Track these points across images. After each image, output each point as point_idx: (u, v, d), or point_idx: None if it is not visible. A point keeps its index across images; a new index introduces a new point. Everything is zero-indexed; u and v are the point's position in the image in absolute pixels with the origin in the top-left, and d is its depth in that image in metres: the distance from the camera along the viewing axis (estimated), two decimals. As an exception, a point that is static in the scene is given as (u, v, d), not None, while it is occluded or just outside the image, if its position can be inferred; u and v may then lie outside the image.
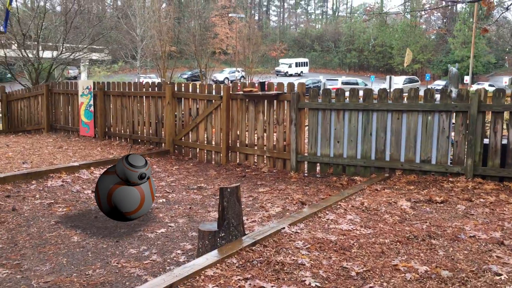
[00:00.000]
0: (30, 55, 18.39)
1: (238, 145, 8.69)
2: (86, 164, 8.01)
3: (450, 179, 6.55)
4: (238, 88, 8.83)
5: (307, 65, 64.33)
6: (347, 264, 3.73)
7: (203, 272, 3.46)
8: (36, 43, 18.99)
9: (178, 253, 4.43)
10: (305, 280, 3.43)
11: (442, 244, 4.25)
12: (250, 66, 38.53)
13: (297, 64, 62.53)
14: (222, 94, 8.67)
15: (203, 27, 45.16)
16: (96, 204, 6.05)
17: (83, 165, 7.94)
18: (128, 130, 10.74)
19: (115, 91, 10.96)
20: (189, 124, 9.40)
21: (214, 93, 8.96)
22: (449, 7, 67.16)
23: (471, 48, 34.30)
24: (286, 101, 7.94)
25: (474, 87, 35.76)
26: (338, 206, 5.40)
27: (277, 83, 8.28)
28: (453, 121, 6.75)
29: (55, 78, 22.68)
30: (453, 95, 6.76)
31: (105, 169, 5.62)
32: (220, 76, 49.59)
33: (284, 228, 4.46)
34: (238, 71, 45.27)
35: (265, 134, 8.33)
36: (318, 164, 7.78)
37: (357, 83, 41.19)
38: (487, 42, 62.15)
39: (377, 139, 7.17)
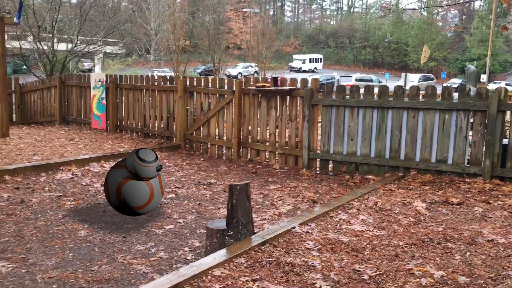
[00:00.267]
0: (45, 47, 18.46)
1: (249, 141, 8.57)
2: (96, 157, 7.95)
3: (467, 180, 6.37)
4: (251, 83, 8.70)
5: (321, 61, 63.88)
6: (359, 267, 3.59)
7: (210, 272, 3.35)
8: (51, 35, 19.05)
9: (186, 251, 4.33)
10: (315, 283, 3.30)
11: (458, 248, 4.10)
12: (263, 61, 38.37)
13: (311, 60, 62.12)
14: (234, 89, 8.55)
15: (217, 22, 45.08)
16: (105, 198, 5.99)
17: (93, 158, 7.89)
18: (139, 123, 10.68)
19: (127, 84, 10.90)
20: (200, 119, 9.30)
21: (226, 88, 8.85)
22: (467, 4, 66.17)
23: (488, 46, 33.73)
24: (299, 97, 7.80)
25: (491, 86, 35.19)
26: (351, 206, 5.26)
27: (291, 78, 8.14)
28: (471, 120, 6.56)
29: (70, 70, 22.76)
30: (471, 93, 6.57)
31: (115, 163, 5.54)
32: (233, 71, 49.44)
33: (294, 227, 4.33)
34: (252, 66, 45.09)
35: (277, 130, 8.20)
36: (331, 161, 7.63)
37: (371, 80, 40.77)
38: (505, 40, 61.13)
39: (392, 138, 7.00)
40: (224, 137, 9.02)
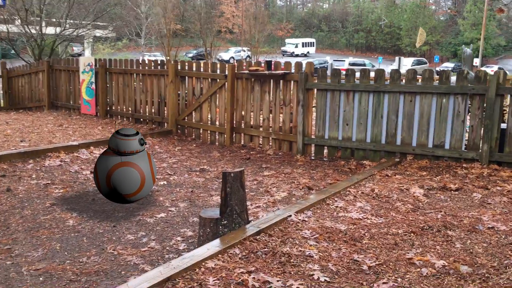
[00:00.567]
0: (33, 31, 18.06)
1: (242, 126, 8.40)
2: (85, 144, 7.75)
3: (464, 165, 6.26)
4: (244, 67, 8.49)
5: (313, 45, 63.46)
6: (358, 257, 3.47)
7: (203, 264, 3.21)
8: (39, 18, 18.64)
9: (178, 240, 4.18)
10: (313, 274, 3.17)
11: (459, 235, 3.99)
12: (256, 45, 37.94)
13: (303, 44, 61.68)
14: (227, 73, 8.35)
15: (209, 5, 44.46)
16: (94, 185, 5.82)
17: (82, 144, 7.69)
18: (130, 109, 10.46)
19: (117, 69, 10.65)
20: (192, 104, 9.10)
21: (218, 72, 8.64)
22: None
23: (481, 30, 33.57)
24: (293, 81, 7.62)
25: (483, 70, 35.05)
26: (347, 193, 5.13)
27: (284, 62, 7.95)
28: (469, 104, 6.43)
29: (59, 54, 22.34)
30: (469, 77, 6.44)
31: (105, 149, 5.37)
32: (225, 56, 49.00)
33: (290, 215, 4.20)
34: (244, 51, 44.66)
35: (271, 115, 8.03)
36: (326, 147, 7.49)
37: (364, 64, 40.58)
38: (498, 24, 60.99)
39: (388, 122, 6.86)
40: (217, 123, 8.84)
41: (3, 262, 3.71)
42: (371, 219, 4.33)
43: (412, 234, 3.98)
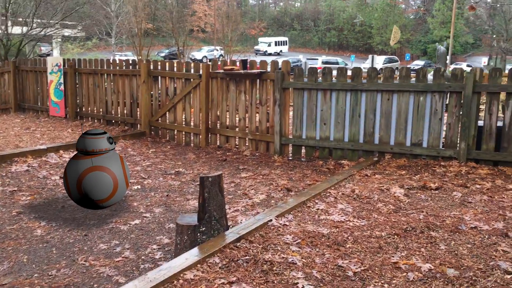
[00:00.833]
0: (-2, 31, 17.44)
1: (218, 126, 8.21)
2: (54, 147, 7.44)
3: (442, 163, 6.23)
4: (218, 66, 8.31)
5: (286, 44, 63.57)
6: (342, 262, 3.35)
7: (181, 275, 3.03)
8: (4, 18, 18.01)
9: (154, 249, 3.99)
10: (297, 283, 3.03)
11: (442, 236, 3.91)
12: (229, 44, 37.72)
13: (276, 43, 61.71)
14: (201, 73, 8.15)
15: (181, 4, 44.00)
16: (64, 191, 5.56)
17: (51, 148, 7.38)
18: (101, 110, 10.14)
19: (86, 69, 10.31)
20: (166, 105, 8.87)
21: (192, 72, 8.43)
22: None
23: (449, 28, 34.10)
24: (269, 80, 7.48)
25: (453, 67, 35.72)
26: (328, 194, 5.02)
27: (260, 61, 7.80)
28: (446, 102, 6.41)
29: (26, 55, 21.67)
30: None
31: (75, 153, 5.13)
32: (198, 55, 48.56)
33: (271, 220, 4.05)
34: (217, 50, 44.37)
35: (247, 115, 7.87)
36: (304, 147, 7.38)
37: (337, 63, 40.79)
38: (465, 22, 62.29)
39: (366, 121, 6.79)
40: (192, 123, 8.63)
41: (-35, 278, 3.46)
42: (353, 221, 4.22)
43: (395, 236, 3.89)
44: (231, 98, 7.95)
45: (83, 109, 10.52)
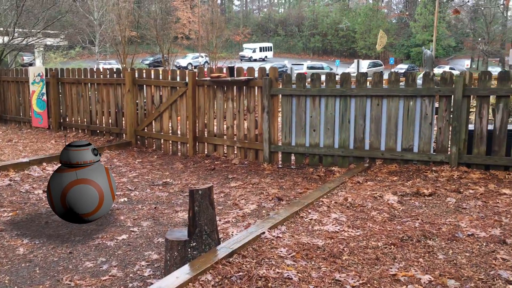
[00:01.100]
0: (-22, 41, 17.08)
1: (206, 135, 8.07)
2: (37, 160, 7.23)
3: (434, 168, 6.16)
4: (205, 73, 8.18)
5: (271, 50, 63.65)
6: (340, 276, 3.23)
7: (172, 295, 2.88)
8: (-16, 27, 17.66)
9: (143, 266, 3.83)
10: (294, 300, 2.91)
11: (439, 245, 3.82)
12: (214, 51, 37.55)
13: (261, 49, 61.76)
14: (187, 81, 8.00)
15: (165, 11, 43.72)
16: (48, 206, 5.37)
17: (33, 161, 7.17)
18: (85, 120, 9.93)
19: (70, 78, 10.10)
20: (152, 113, 8.70)
21: (178, 80, 8.28)
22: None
23: (431, 32, 34.39)
24: (257, 87, 7.36)
25: (436, 71, 36.08)
26: (321, 203, 4.90)
27: (247, 67, 7.69)
28: (436, 105, 6.36)
29: (8, 64, 21.29)
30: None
31: (59, 166, 4.95)
32: (183, 62, 48.36)
33: (264, 233, 3.92)
34: (202, 56, 44.19)
35: (235, 123, 7.74)
36: (293, 154, 7.26)
37: (322, 68, 40.87)
38: (447, 26, 63.07)
39: (356, 127, 6.71)
40: (179, 132, 8.47)
41: None
42: (348, 231, 4.10)
43: (392, 246, 3.78)
44: (219, 105, 7.82)
45: (67, 120, 10.29)
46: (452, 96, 6.09)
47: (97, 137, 9.58)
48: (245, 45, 61.75)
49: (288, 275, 3.21)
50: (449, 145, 6.24)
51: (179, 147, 8.38)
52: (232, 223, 4.71)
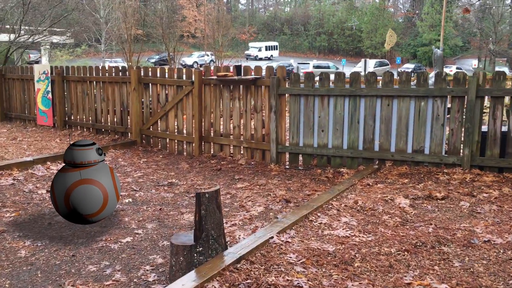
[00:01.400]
0: (-16, 38, 17.05)
1: (212, 134, 7.95)
2: (41, 159, 7.13)
3: (445, 170, 6.01)
4: (211, 72, 8.05)
5: (277, 49, 63.42)
6: (352, 285, 3.09)
7: (178, 304, 2.76)
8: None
9: (147, 270, 3.71)
10: (305, 310, 2.78)
11: (455, 252, 3.67)
12: (219, 49, 37.46)
13: (267, 48, 61.55)
14: (193, 79, 7.88)
15: (171, 10, 43.62)
16: (51, 206, 5.28)
17: (38, 160, 7.07)
18: (90, 118, 9.84)
19: (75, 76, 10.00)
20: (157, 112, 8.59)
21: (184, 78, 8.16)
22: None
23: (438, 31, 34.07)
24: (264, 87, 7.23)
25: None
26: (330, 206, 4.77)
27: (255, 66, 7.56)
28: (448, 106, 6.20)
29: (14, 62, 21.26)
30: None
31: (63, 165, 4.85)
32: (189, 60, 48.25)
33: (272, 237, 3.79)
34: (208, 55, 44.10)
35: (241, 123, 7.62)
36: (301, 155, 7.13)
37: (328, 67, 40.68)
38: (454, 25, 62.62)
39: (365, 128, 6.56)
40: (184, 131, 8.35)
41: None
42: (360, 236, 3.97)
43: (406, 252, 3.65)
44: (225, 105, 7.69)
45: (72, 118, 10.21)
46: (465, 96, 5.94)
47: (102, 136, 9.49)
48: (250, 44, 61.59)
49: (298, 283, 3.08)
50: (461, 147, 6.09)
51: (184, 146, 8.26)
52: (239, 226, 4.59)
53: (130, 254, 4.04)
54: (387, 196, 5.09)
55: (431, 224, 4.28)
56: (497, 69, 46.95)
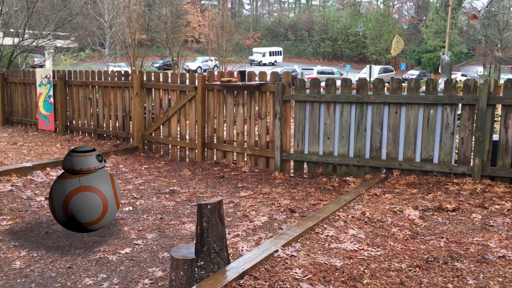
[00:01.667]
0: (-12, 42, 17.01)
1: (215, 141, 7.80)
2: (41, 164, 7.00)
3: (455, 180, 5.84)
4: (215, 77, 7.91)
5: (281, 54, 63.38)
6: (362, 303, 2.93)
7: (177, 324, 2.60)
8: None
9: (146, 284, 3.55)
10: (312, 332, 2.61)
11: (469, 268, 3.50)
12: (223, 55, 37.38)
13: (271, 53, 61.50)
14: (197, 85, 7.75)
15: (175, 15, 43.64)
16: (49, 214, 5.13)
17: (37, 165, 6.93)
18: (92, 124, 9.71)
19: (77, 81, 9.89)
20: (160, 118, 8.45)
21: (188, 83, 8.02)
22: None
23: (443, 37, 33.90)
24: (269, 92, 7.08)
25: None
26: (337, 217, 4.60)
27: (259, 72, 7.41)
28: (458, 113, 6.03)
29: (18, 66, 21.23)
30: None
31: (62, 172, 4.71)
32: (192, 65, 48.23)
33: (277, 251, 3.63)
34: (212, 60, 44.05)
35: (245, 129, 7.46)
36: (306, 163, 6.97)
37: (332, 73, 40.55)
38: (459, 32, 62.47)
39: (372, 136, 6.40)
40: (187, 137, 8.21)
41: None
42: (368, 250, 3.80)
43: (417, 268, 3.47)
44: (229, 111, 7.55)
45: (73, 123, 10.08)
46: (476, 104, 5.77)
47: (103, 141, 9.35)
48: (254, 49, 61.56)
49: (304, 301, 2.92)
50: (471, 156, 5.92)
51: (187, 153, 8.11)
52: (242, 237, 4.42)
53: (129, 266, 3.88)
54: (395, 207, 4.92)
55: (442, 237, 4.11)
56: (502, 76, 46.74)
